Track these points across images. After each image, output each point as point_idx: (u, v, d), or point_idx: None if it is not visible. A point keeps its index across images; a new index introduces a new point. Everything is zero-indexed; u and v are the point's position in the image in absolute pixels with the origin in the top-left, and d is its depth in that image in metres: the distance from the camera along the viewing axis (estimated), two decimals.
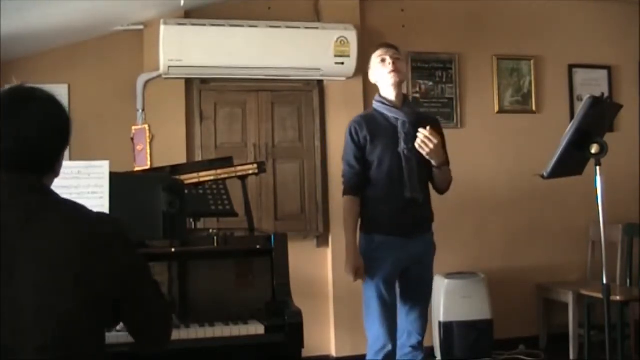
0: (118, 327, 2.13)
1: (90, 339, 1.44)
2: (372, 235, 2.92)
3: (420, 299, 2.97)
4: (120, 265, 1.49)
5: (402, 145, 2.88)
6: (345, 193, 2.96)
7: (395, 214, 2.89)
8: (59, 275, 1.38)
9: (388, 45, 3.04)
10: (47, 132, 1.49)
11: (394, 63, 2.94)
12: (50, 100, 1.53)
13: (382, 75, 2.98)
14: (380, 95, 3.01)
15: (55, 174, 1.57)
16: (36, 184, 1.48)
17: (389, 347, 2.83)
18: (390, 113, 2.95)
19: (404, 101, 3.00)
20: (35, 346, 1.35)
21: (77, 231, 1.44)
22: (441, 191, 3.05)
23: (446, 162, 2.94)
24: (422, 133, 2.80)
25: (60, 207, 1.49)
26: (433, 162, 2.86)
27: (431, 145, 2.80)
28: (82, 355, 1.41)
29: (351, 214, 2.93)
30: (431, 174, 2.95)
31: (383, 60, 2.96)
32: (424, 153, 2.81)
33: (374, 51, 3.04)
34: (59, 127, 1.52)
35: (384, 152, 2.89)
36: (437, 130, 2.89)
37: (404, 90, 3.18)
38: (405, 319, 2.95)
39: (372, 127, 2.94)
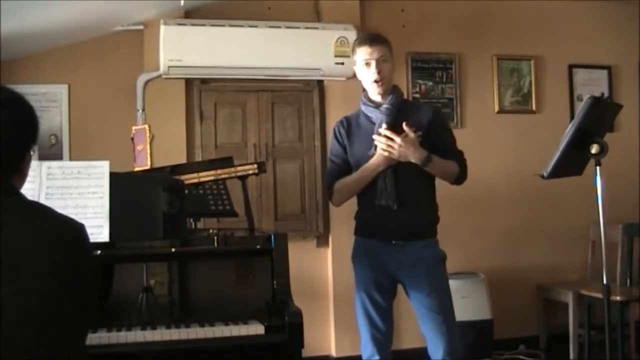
0: (116, 328, 2.13)
1: (70, 339, 1.44)
2: (357, 237, 2.86)
3: (425, 314, 2.72)
4: (80, 267, 1.49)
5: (371, 149, 2.71)
6: (329, 190, 2.87)
7: (371, 220, 2.78)
8: (30, 278, 1.38)
9: (373, 42, 2.74)
10: (8, 133, 1.44)
11: (378, 72, 2.71)
12: (10, 99, 1.49)
13: (366, 80, 2.77)
14: (364, 95, 2.85)
15: (22, 174, 1.53)
16: (4, 187, 1.46)
17: (376, 357, 2.75)
18: (371, 113, 2.78)
19: (390, 94, 2.77)
20: (16, 347, 1.34)
21: (41, 232, 1.43)
22: (453, 183, 2.82)
23: (452, 154, 2.77)
24: (381, 134, 2.64)
25: (24, 209, 1.48)
26: (414, 162, 2.66)
27: (395, 147, 2.63)
28: (62, 357, 1.41)
29: (343, 182, 2.80)
30: (425, 174, 2.74)
31: (367, 64, 2.73)
32: (394, 157, 2.65)
33: (358, 44, 2.78)
34: (17, 126, 1.48)
35: (360, 155, 2.76)
36: (420, 121, 2.72)
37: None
38: (425, 335, 2.77)
39: (351, 129, 2.83)
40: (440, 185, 2.88)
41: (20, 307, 1.36)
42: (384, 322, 2.76)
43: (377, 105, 2.77)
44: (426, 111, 2.83)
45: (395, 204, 2.69)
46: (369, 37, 2.79)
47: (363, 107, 2.82)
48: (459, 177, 2.81)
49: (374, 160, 2.71)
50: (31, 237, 1.41)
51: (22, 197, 1.51)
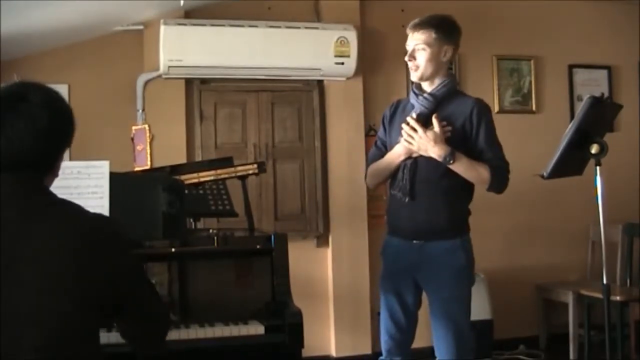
0: (116, 328, 2.12)
1: (88, 339, 1.44)
2: (386, 235, 2.79)
3: (437, 320, 2.63)
4: (118, 266, 1.48)
5: (399, 137, 2.62)
6: (365, 170, 2.81)
7: (392, 212, 2.72)
8: (57, 276, 1.37)
9: (413, 29, 2.64)
10: (43, 132, 1.45)
11: (410, 60, 2.63)
12: (49, 98, 1.50)
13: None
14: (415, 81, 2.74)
15: (54, 174, 1.54)
16: (35, 185, 1.46)
17: (383, 358, 2.74)
18: (412, 100, 2.67)
19: (440, 83, 2.64)
20: (33, 347, 1.34)
21: (75, 232, 1.43)
22: (488, 190, 2.61)
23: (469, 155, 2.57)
24: (406, 123, 2.56)
25: (58, 208, 1.48)
26: (435, 158, 2.53)
27: (416, 137, 2.53)
28: (79, 356, 1.41)
29: (373, 166, 2.74)
30: (451, 172, 2.56)
31: (407, 50, 2.65)
32: (412, 149, 2.56)
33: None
34: (57, 125, 1.49)
35: (393, 141, 2.68)
36: (455, 116, 2.59)
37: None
38: (434, 342, 2.68)
39: (396, 113, 2.73)
40: None
41: (38, 306, 1.36)
42: (396, 328, 2.70)
43: (421, 93, 2.67)
44: (468, 105, 2.63)
45: (407, 197, 2.60)
46: (412, 23, 2.66)
47: (411, 94, 2.73)
48: (492, 186, 2.58)
49: (395, 148, 2.64)
50: (57, 238, 1.40)
51: (51, 196, 1.50)
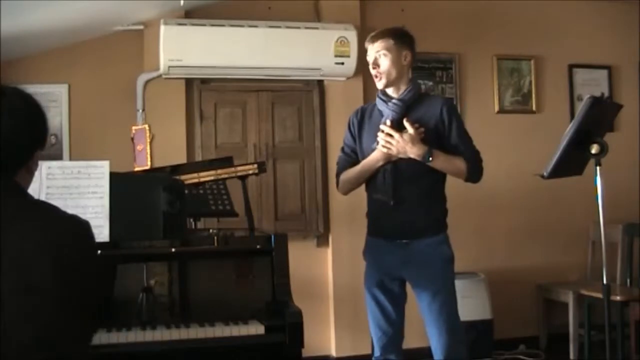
0: (116, 328, 2.13)
1: (72, 339, 1.44)
2: (367, 235, 2.85)
3: (428, 313, 2.71)
4: (84, 267, 1.47)
5: (375, 143, 2.70)
6: (336, 177, 2.87)
7: (375, 215, 2.79)
8: (33, 277, 1.37)
9: (373, 39, 2.75)
10: (12, 131, 1.43)
11: (374, 67, 2.73)
12: (18, 97, 1.47)
13: None
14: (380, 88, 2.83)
15: (29, 172, 1.53)
16: (6, 185, 1.45)
17: (378, 356, 2.77)
18: (382, 107, 2.76)
19: (404, 88, 2.75)
20: (16, 349, 1.34)
21: (44, 232, 1.42)
22: (467, 181, 2.75)
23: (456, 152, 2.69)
24: (381, 130, 2.66)
25: (27, 208, 1.47)
26: (414, 158, 2.64)
27: (393, 142, 2.64)
28: (65, 357, 1.41)
29: (347, 173, 2.81)
30: (430, 171, 2.68)
31: (369, 61, 2.76)
32: (392, 153, 2.65)
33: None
34: (26, 125, 1.47)
35: (366, 148, 2.76)
36: (427, 117, 2.69)
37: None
38: (428, 335, 2.76)
39: (364, 120, 2.82)
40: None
41: (20, 307, 1.36)
42: (388, 323, 2.75)
43: (389, 99, 2.75)
44: (437, 106, 2.74)
45: (392, 200, 2.68)
46: (369, 36, 2.79)
47: (377, 100, 2.80)
48: (470, 175, 2.72)
49: (374, 154, 2.72)
50: (34, 237, 1.39)
51: (27, 196, 1.49)
